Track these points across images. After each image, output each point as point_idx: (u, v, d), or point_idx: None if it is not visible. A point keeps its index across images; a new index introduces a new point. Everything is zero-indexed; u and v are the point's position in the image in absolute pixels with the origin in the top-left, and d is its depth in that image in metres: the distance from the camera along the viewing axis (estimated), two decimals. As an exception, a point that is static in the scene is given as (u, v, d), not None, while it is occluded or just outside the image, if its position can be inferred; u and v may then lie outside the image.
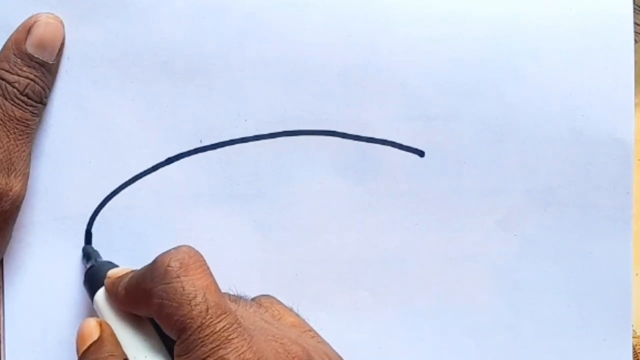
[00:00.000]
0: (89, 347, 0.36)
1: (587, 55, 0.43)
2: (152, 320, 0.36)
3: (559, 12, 0.43)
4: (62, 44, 0.40)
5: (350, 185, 0.43)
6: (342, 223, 0.43)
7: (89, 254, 0.41)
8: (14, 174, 0.39)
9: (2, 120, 0.38)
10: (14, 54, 0.38)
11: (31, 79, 0.39)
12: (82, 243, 0.42)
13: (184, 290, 0.33)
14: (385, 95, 0.42)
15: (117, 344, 0.36)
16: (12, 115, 0.38)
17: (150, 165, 0.42)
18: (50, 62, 0.39)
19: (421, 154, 0.43)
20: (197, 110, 0.42)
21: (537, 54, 0.43)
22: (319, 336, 0.38)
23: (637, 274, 0.46)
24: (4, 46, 0.39)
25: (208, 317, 0.33)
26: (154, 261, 0.34)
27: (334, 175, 0.43)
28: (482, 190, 0.43)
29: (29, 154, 0.40)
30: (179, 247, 0.35)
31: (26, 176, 0.40)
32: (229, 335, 0.32)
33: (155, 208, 0.42)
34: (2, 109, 0.38)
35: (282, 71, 0.42)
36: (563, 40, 0.43)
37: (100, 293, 0.38)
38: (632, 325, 0.45)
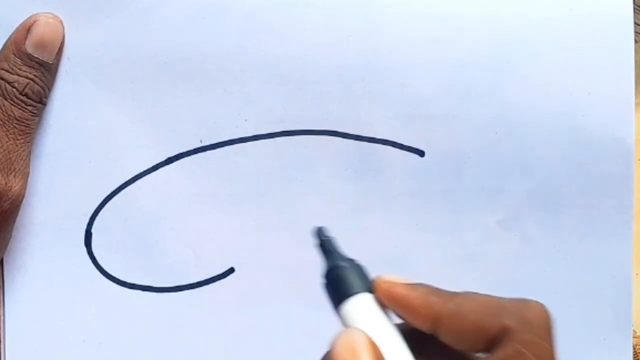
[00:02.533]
0: None
1: (587, 55, 0.43)
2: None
3: (559, 13, 0.43)
4: (62, 44, 0.40)
5: (350, 185, 0.43)
6: (342, 223, 0.43)
7: (331, 251, 0.35)
8: (13, 173, 0.39)
9: (1, 120, 0.38)
10: (14, 54, 0.38)
11: (31, 79, 0.39)
12: (82, 243, 0.42)
13: (550, 355, 0.32)
14: (385, 95, 0.42)
15: None
16: (12, 115, 0.38)
17: (150, 165, 0.42)
18: (50, 62, 0.39)
19: (421, 154, 0.43)
20: (197, 110, 0.42)
21: (537, 54, 0.43)
22: None
23: (637, 274, 0.46)
24: (4, 46, 0.39)
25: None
26: (526, 304, 0.32)
27: (334, 175, 0.43)
28: (482, 190, 0.43)
29: (29, 154, 0.40)
30: (541, 304, 0.32)
31: (26, 176, 0.40)
32: None
33: (155, 208, 0.42)
34: (1, 108, 0.38)
35: (282, 71, 0.42)
36: (563, 40, 0.43)
37: (360, 300, 0.32)
38: (632, 325, 0.45)
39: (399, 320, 0.32)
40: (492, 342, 0.31)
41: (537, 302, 0.32)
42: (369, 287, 0.33)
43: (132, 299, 0.42)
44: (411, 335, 0.32)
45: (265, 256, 0.43)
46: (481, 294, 0.33)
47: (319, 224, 0.43)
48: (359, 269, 0.33)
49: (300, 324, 0.43)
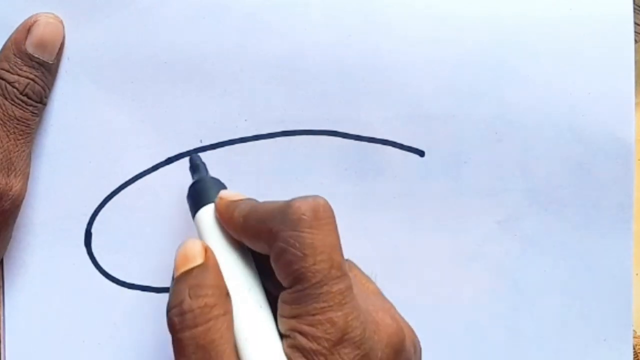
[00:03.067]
0: (191, 270, 0.34)
1: (587, 55, 0.43)
2: (252, 252, 0.36)
3: (559, 13, 0.43)
4: (62, 44, 0.40)
5: (350, 185, 0.43)
6: (342, 223, 0.43)
7: (197, 165, 0.40)
8: (14, 173, 0.39)
9: (2, 120, 0.38)
10: (14, 54, 0.38)
11: (31, 79, 0.39)
12: (82, 243, 0.42)
13: (312, 243, 0.32)
14: (385, 95, 0.42)
15: (221, 276, 0.34)
16: (12, 115, 0.38)
17: (150, 165, 0.42)
18: (50, 62, 0.39)
19: (421, 154, 0.43)
20: (197, 110, 0.42)
21: (537, 54, 0.43)
22: (395, 308, 0.37)
23: (637, 274, 0.46)
24: (4, 46, 0.39)
25: (329, 276, 0.32)
26: (288, 204, 0.34)
27: (334, 175, 0.43)
28: (482, 190, 0.43)
29: (29, 154, 0.40)
30: (315, 197, 0.34)
31: (26, 176, 0.40)
32: (343, 299, 0.32)
33: (155, 208, 0.42)
34: (2, 108, 0.38)
35: (282, 71, 0.42)
36: (563, 40, 0.43)
37: (206, 211, 0.37)
38: (632, 325, 0.44)
39: None
40: (268, 245, 0.34)
41: (301, 198, 0.34)
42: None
43: (132, 299, 0.42)
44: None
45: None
46: (265, 203, 0.35)
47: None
48: (217, 184, 0.38)
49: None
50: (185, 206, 0.42)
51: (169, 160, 0.42)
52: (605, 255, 0.44)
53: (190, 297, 0.33)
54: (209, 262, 0.34)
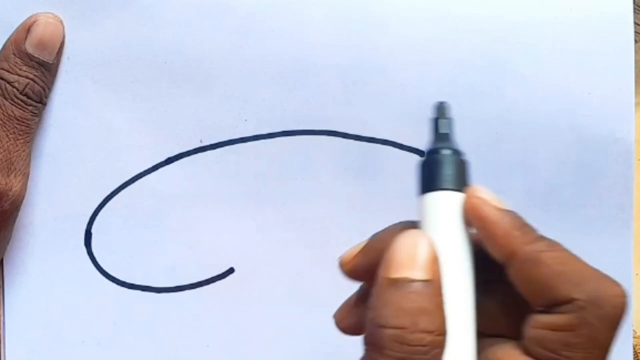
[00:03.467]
0: (412, 283, 0.27)
1: (587, 55, 0.43)
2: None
3: (559, 13, 0.43)
4: (62, 44, 0.40)
5: (350, 185, 0.43)
6: (342, 223, 0.43)
7: (441, 133, 0.31)
8: (14, 173, 0.39)
9: (1, 120, 0.38)
10: (14, 54, 0.38)
11: (31, 79, 0.39)
12: (82, 243, 0.42)
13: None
14: (385, 95, 0.42)
15: (442, 305, 0.28)
16: (12, 115, 0.38)
17: (150, 165, 0.42)
18: (50, 62, 0.39)
19: (421, 154, 0.43)
20: (197, 110, 0.42)
21: (537, 54, 0.43)
22: None
23: (637, 274, 0.46)
24: (4, 46, 0.39)
25: None
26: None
27: (334, 175, 0.43)
28: (482, 190, 0.43)
29: (29, 154, 0.40)
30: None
31: (26, 176, 0.40)
32: None
33: (155, 208, 0.42)
34: (2, 108, 0.38)
35: (282, 71, 0.42)
36: (563, 40, 0.43)
37: (447, 198, 0.29)
38: (632, 325, 0.44)
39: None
40: (553, 304, 0.28)
41: (616, 283, 0.30)
42: (462, 189, 0.30)
43: (132, 299, 0.42)
44: (480, 252, 0.30)
45: (265, 256, 0.43)
46: (565, 250, 0.30)
47: (319, 224, 0.43)
48: (462, 165, 0.30)
49: (300, 324, 0.43)
50: (185, 205, 0.42)
51: (169, 160, 0.42)
52: (605, 255, 0.44)
53: (411, 327, 0.27)
54: (435, 284, 0.28)
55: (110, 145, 0.41)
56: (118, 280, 0.42)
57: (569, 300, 0.28)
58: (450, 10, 0.42)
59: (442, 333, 0.27)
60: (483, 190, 0.31)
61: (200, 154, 0.42)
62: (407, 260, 0.28)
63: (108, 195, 0.42)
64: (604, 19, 0.43)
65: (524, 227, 0.30)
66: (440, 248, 0.28)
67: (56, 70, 0.40)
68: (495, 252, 0.29)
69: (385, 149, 0.43)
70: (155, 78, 0.41)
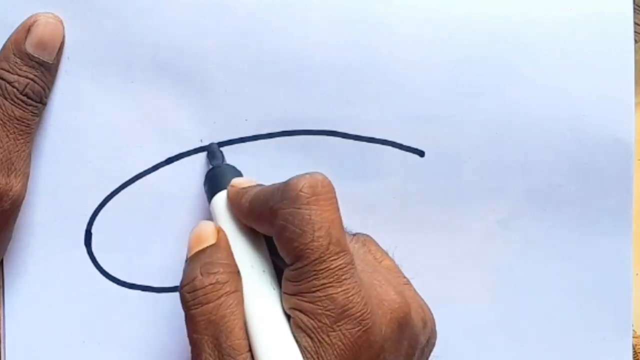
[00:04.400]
0: (204, 250, 0.35)
1: (587, 55, 0.43)
2: (265, 238, 0.37)
3: (559, 13, 0.43)
4: (62, 44, 0.40)
5: (350, 185, 0.43)
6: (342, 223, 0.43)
7: (213, 152, 0.41)
8: (14, 173, 0.39)
9: (2, 120, 0.38)
10: (14, 54, 0.38)
11: (31, 79, 0.39)
12: (82, 243, 0.42)
13: (310, 219, 0.33)
14: (385, 95, 0.42)
15: (231, 253, 0.36)
16: (12, 115, 0.38)
17: (150, 165, 0.42)
18: (50, 62, 0.39)
19: (421, 154, 0.43)
20: (197, 110, 0.42)
21: (537, 54, 0.43)
22: (411, 284, 0.38)
23: (637, 274, 0.46)
24: (4, 46, 0.39)
25: (327, 252, 0.32)
26: (287, 183, 0.34)
27: (334, 175, 0.43)
28: (482, 190, 0.43)
29: (29, 154, 0.40)
30: (314, 173, 0.34)
31: (26, 176, 0.40)
32: (343, 275, 0.32)
33: (155, 208, 0.42)
34: (2, 108, 0.38)
35: (282, 71, 0.42)
36: (563, 41, 0.43)
37: (220, 197, 0.38)
38: (632, 325, 0.45)
39: None
40: (270, 227, 0.34)
41: (299, 175, 0.34)
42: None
43: (132, 299, 0.42)
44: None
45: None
46: (268, 185, 0.36)
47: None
48: (232, 171, 0.39)
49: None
50: (186, 205, 0.42)
51: (169, 160, 0.42)
52: (605, 255, 0.44)
53: (202, 275, 0.34)
54: (221, 242, 0.36)
55: (110, 145, 0.41)
56: (118, 280, 0.42)
57: (270, 211, 0.34)
58: (450, 11, 0.42)
59: (228, 272, 0.34)
60: (240, 179, 0.38)
61: (200, 154, 0.42)
62: (196, 240, 0.36)
63: (108, 195, 0.42)
64: (604, 19, 0.43)
65: (247, 191, 0.37)
66: (226, 229, 0.37)
67: (56, 70, 0.40)
68: (255, 224, 0.36)
69: (385, 149, 0.43)
70: (155, 78, 0.41)
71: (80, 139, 0.41)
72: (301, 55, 0.42)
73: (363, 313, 0.32)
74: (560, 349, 0.44)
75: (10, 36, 0.39)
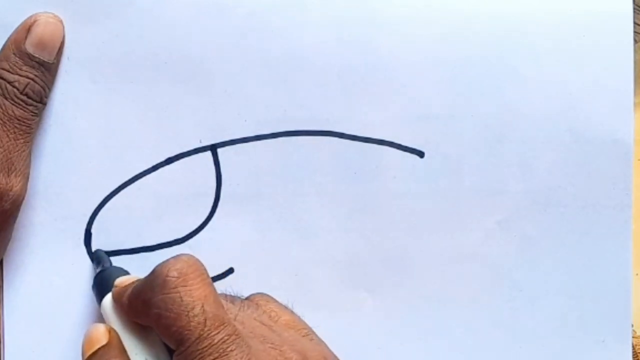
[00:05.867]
0: (96, 352, 0.36)
1: (587, 55, 0.43)
2: None
3: (558, 12, 0.43)
4: (62, 44, 0.40)
5: (350, 185, 0.43)
6: (342, 223, 0.43)
7: (99, 258, 0.41)
8: (14, 173, 0.39)
9: (2, 119, 0.38)
10: (14, 54, 0.38)
11: (31, 79, 0.39)
12: (82, 243, 0.42)
13: (182, 301, 0.33)
14: (385, 95, 0.42)
15: (124, 350, 0.36)
16: (12, 114, 0.38)
17: (150, 165, 0.42)
18: (50, 62, 0.39)
19: (421, 154, 0.43)
20: (197, 110, 0.42)
21: (537, 54, 0.43)
22: (315, 335, 0.38)
23: (637, 274, 0.46)
24: (4, 46, 0.39)
25: (206, 329, 0.33)
26: (153, 271, 0.34)
27: (333, 176, 0.43)
28: (482, 190, 0.43)
29: (29, 154, 0.40)
30: (178, 256, 0.35)
31: (26, 176, 0.40)
32: (228, 347, 0.32)
33: (155, 208, 0.42)
34: (2, 108, 0.38)
35: (282, 71, 0.42)
36: (563, 40, 0.43)
37: (108, 299, 0.38)
38: (632, 325, 0.45)
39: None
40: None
41: (163, 262, 0.35)
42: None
43: (132, 299, 0.42)
44: None
45: (265, 256, 0.43)
46: (140, 279, 0.36)
47: (319, 224, 0.43)
48: (118, 272, 0.39)
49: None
50: (185, 205, 0.42)
51: (169, 160, 0.42)
52: (605, 255, 0.44)
53: None
54: (112, 341, 0.36)
55: (110, 145, 0.41)
56: (118, 280, 0.42)
57: (143, 304, 0.34)
58: (450, 10, 0.42)
59: None
60: (123, 278, 0.38)
61: (200, 154, 0.42)
62: (88, 343, 0.37)
63: (108, 195, 0.42)
64: (604, 19, 0.43)
65: (127, 290, 0.36)
66: (115, 327, 0.37)
67: (56, 70, 0.40)
68: (138, 319, 0.36)
69: (385, 149, 0.43)
70: (155, 78, 0.41)
71: (80, 139, 0.41)
72: (301, 55, 0.42)
73: None
74: (560, 349, 0.44)
75: (11, 36, 0.39)
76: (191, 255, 0.35)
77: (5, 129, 0.38)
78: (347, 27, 0.42)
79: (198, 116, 0.42)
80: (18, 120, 0.38)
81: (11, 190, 0.38)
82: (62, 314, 0.42)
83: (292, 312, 0.39)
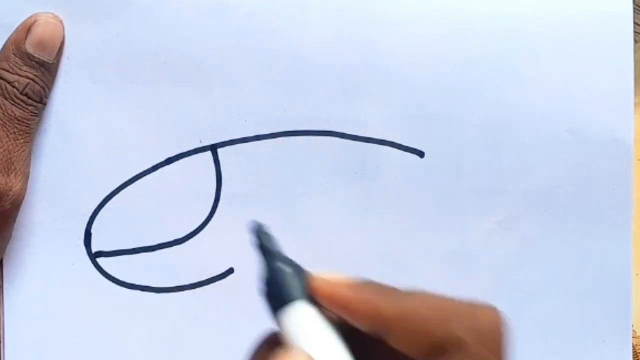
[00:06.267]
0: None
1: (587, 55, 0.43)
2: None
3: (558, 12, 0.43)
4: (62, 44, 0.40)
5: (350, 185, 0.43)
6: (342, 223, 0.43)
7: (270, 253, 0.32)
8: (14, 173, 0.39)
9: (2, 120, 0.38)
10: (14, 54, 0.38)
11: (31, 79, 0.39)
12: (82, 243, 0.42)
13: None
14: (385, 95, 0.42)
15: None
16: (12, 114, 0.38)
17: (150, 165, 0.42)
18: (50, 62, 0.39)
19: (421, 154, 0.43)
20: (197, 110, 0.42)
21: (537, 54, 0.43)
22: None
23: (637, 274, 0.46)
24: (4, 46, 0.39)
25: None
26: (475, 308, 0.30)
27: (334, 175, 0.43)
28: (481, 190, 0.43)
29: (29, 154, 0.40)
30: (495, 309, 0.30)
31: (26, 176, 0.40)
32: None
33: (155, 208, 0.42)
34: (2, 108, 0.38)
35: (282, 71, 0.42)
36: (563, 40, 0.43)
37: (299, 309, 0.30)
38: (632, 325, 0.45)
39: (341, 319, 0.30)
40: (440, 349, 0.29)
41: (489, 307, 0.30)
42: (306, 292, 0.30)
43: (132, 299, 0.42)
44: (356, 335, 0.29)
45: (265, 256, 0.43)
46: (430, 294, 0.31)
47: (319, 224, 0.43)
48: (297, 272, 0.31)
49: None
50: (185, 205, 0.42)
51: (169, 160, 0.42)
52: (605, 255, 0.44)
53: None
54: None
55: (110, 145, 0.41)
56: (118, 280, 0.42)
57: (452, 338, 0.28)
58: (449, 10, 0.42)
59: None
60: (324, 273, 0.31)
61: (200, 154, 0.42)
62: None
63: (108, 195, 0.42)
64: (604, 19, 0.43)
65: (383, 290, 0.30)
66: (316, 355, 0.28)
67: (56, 70, 0.40)
68: (366, 327, 0.29)
69: (385, 149, 0.43)
70: (155, 78, 0.41)
71: (80, 139, 0.41)
72: (301, 55, 0.42)
73: None
74: (560, 349, 0.44)
75: (11, 36, 0.39)
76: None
77: (5, 129, 0.38)
78: (347, 27, 0.42)
79: (198, 116, 0.42)
80: (18, 120, 0.38)
81: (11, 190, 0.38)
82: (62, 314, 0.42)
83: None
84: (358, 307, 0.29)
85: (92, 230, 0.42)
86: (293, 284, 0.30)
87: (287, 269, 0.31)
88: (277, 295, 0.30)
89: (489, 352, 0.28)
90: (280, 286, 0.30)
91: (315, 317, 0.29)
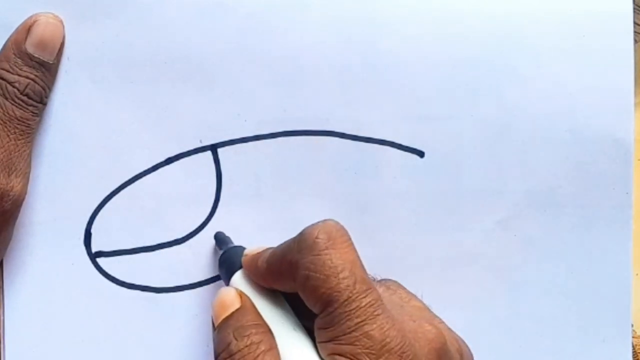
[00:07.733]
0: (231, 315, 0.35)
1: (587, 55, 0.43)
2: (286, 298, 0.37)
3: (558, 12, 0.43)
4: (62, 44, 0.40)
5: (350, 185, 0.43)
6: (342, 223, 0.43)
7: (222, 239, 0.42)
8: (14, 173, 0.39)
9: (2, 120, 0.38)
10: (14, 54, 0.38)
11: (31, 79, 0.39)
12: (82, 243, 0.42)
13: (331, 263, 0.33)
14: (385, 95, 0.42)
15: (259, 315, 0.35)
16: (13, 115, 0.38)
17: (150, 165, 0.42)
18: (50, 62, 0.39)
19: (421, 154, 0.43)
20: (197, 110, 0.42)
21: (537, 54, 0.43)
22: (445, 322, 0.37)
23: (637, 274, 0.46)
24: (4, 46, 0.39)
25: (355, 292, 0.32)
26: (301, 233, 0.34)
27: (333, 176, 0.43)
28: (481, 190, 0.43)
29: (30, 154, 0.40)
30: (325, 220, 0.34)
31: (27, 176, 0.40)
32: (375, 311, 0.32)
33: (155, 208, 0.42)
34: (2, 108, 0.38)
35: (282, 71, 0.42)
36: (563, 40, 0.43)
37: (238, 276, 0.38)
38: (632, 325, 0.45)
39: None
40: (327, 303, 0.33)
41: (312, 225, 0.34)
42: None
43: (132, 299, 0.42)
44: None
45: (265, 256, 0.43)
46: (282, 243, 0.36)
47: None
48: (240, 251, 0.39)
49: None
50: (185, 205, 0.42)
51: (169, 160, 0.42)
52: (605, 255, 0.44)
53: (236, 339, 0.34)
54: (246, 304, 0.36)
55: (110, 145, 0.41)
56: (118, 280, 0.42)
57: (290, 265, 0.34)
58: (450, 11, 0.42)
59: (260, 332, 0.34)
60: (251, 248, 0.39)
61: (200, 154, 0.42)
62: (220, 307, 0.36)
63: (108, 195, 0.42)
64: (604, 19, 0.43)
65: (262, 254, 0.37)
66: (247, 292, 0.37)
67: (56, 70, 0.40)
68: (276, 283, 0.36)
69: (385, 149, 0.43)
70: (155, 78, 0.41)
71: (80, 139, 0.41)
72: (301, 55, 0.42)
73: (402, 346, 0.32)
74: (560, 349, 0.44)
75: (11, 36, 0.39)
76: (337, 221, 0.35)
77: (5, 129, 0.38)
78: (347, 27, 0.42)
79: (198, 116, 0.42)
80: (18, 120, 0.38)
81: (12, 190, 0.38)
82: (62, 314, 0.42)
83: (421, 300, 0.38)
84: (253, 272, 0.37)
85: (92, 230, 0.42)
86: (235, 259, 0.39)
87: (232, 249, 0.40)
88: (225, 269, 0.39)
89: (311, 256, 0.33)
90: (226, 263, 0.39)
91: (249, 280, 0.38)
